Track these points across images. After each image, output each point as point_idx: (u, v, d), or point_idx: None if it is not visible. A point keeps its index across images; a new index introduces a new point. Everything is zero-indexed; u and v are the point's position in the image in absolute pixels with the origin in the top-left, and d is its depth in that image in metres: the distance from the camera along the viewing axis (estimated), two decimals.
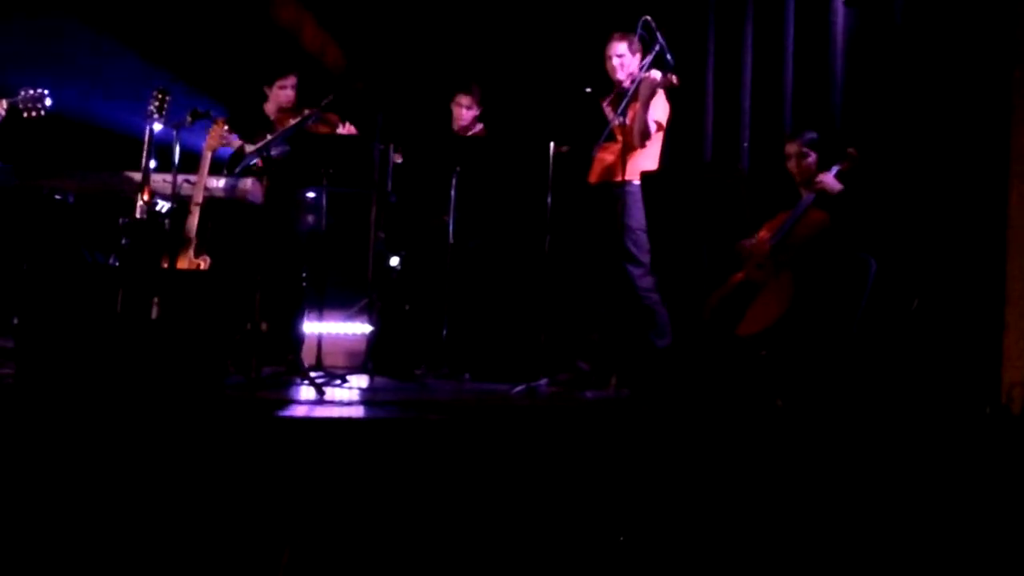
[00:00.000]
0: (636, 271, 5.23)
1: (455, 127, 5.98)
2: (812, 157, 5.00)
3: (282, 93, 5.65)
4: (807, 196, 4.94)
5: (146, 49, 6.23)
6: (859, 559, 3.24)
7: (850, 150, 4.91)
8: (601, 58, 5.41)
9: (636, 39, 5.22)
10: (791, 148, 5.07)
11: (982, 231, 4.72)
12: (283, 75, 5.66)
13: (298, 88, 5.69)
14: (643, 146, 5.24)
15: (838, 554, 3.25)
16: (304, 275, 5.36)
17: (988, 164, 4.68)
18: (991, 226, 4.58)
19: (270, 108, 5.73)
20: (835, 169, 4.88)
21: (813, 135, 5.06)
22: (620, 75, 5.32)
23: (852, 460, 3.59)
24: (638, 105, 5.18)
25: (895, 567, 3.21)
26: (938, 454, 3.62)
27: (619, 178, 5.22)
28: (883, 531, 3.32)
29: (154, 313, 4.15)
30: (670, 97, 5.35)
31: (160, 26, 6.35)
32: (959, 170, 4.94)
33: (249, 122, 5.61)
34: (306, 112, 5.27)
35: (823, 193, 4.86)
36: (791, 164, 5.06)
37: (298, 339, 5.36)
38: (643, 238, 5.23)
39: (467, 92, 5.95)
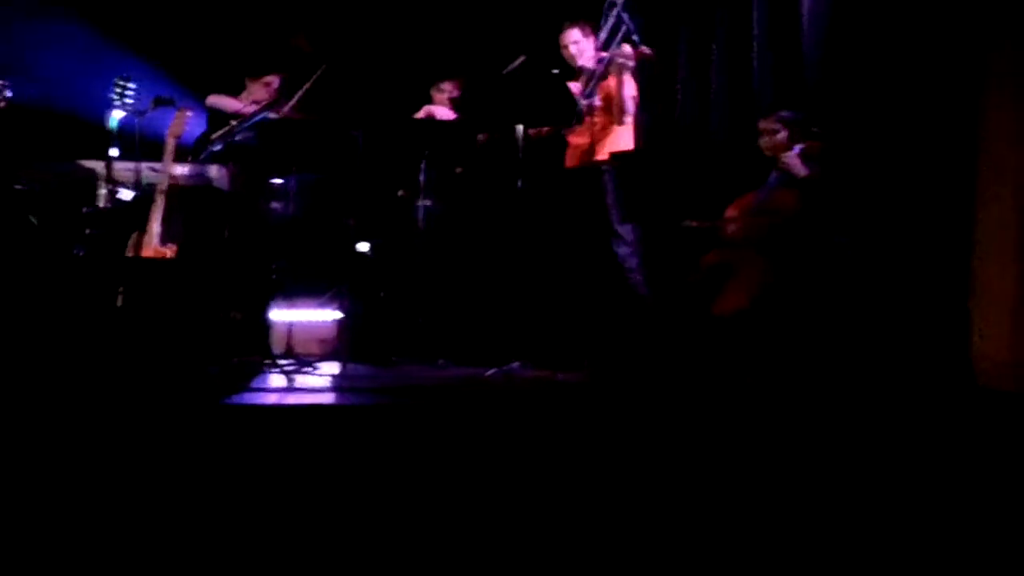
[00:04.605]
0: (623, 250, 5.23)
1: (422, 114, 5.98)
2: (783, 134, 5.01)
3: (264, 90, 5.62)
4: (773, 176, 4.96)
5: (109, 33, 6.17)
6: (826, 534, 3.24)
7: (815, 130, 4.94)
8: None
9: (587, 24, 5.24)
10: (763, 125, 5.08)
11: (953, 209, 4.72)
12: (272, 72, 5.64)
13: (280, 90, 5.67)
14: (622, 123, 5.24)
15: (805, 531, 3.25)
16: (273, 263, 5.32)
17: (959, 143, 4.69)
18: (962, 204, 4.58)
19: (242, 100, 5.68)
20: (797, 148, 4.90)
21: (787, 113, 5.08)
22: (580, 61, 5.33)
23: (821, 436, 3.59)
24: (611, 82, 5.18)
25: (865, 543, 3.22)
26: (909, 430, 3.63)
27: (597, 159, 5.22)
28: (853, 508, 3.32)
29: (119, 302, 4.11)
30: (639, 74, 5.34)
31: (125, 9, 6.30)
32: (929, 144, 4.94)
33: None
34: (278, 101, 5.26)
35: (787, 173, 4.89)
36: (763, 141, 5.07)
37: (266, 327, 5.32)
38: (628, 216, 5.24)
39: (448, 78, 5.99)
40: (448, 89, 5.99)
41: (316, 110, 5.58)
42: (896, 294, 4.74)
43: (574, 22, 5.34)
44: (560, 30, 5.41)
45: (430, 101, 6.11)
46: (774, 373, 4.51)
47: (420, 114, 6.06)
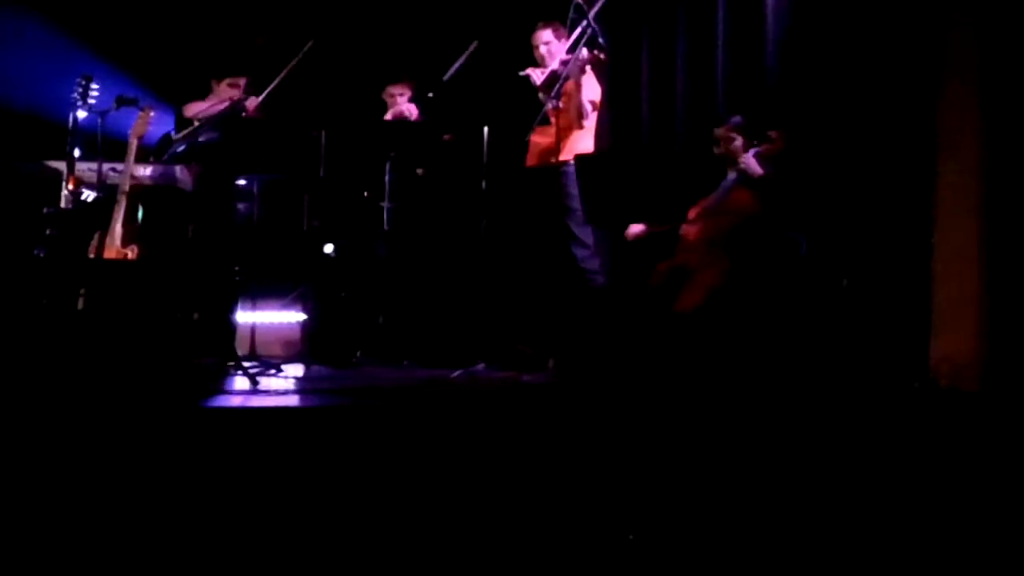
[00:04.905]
0: (581, 253, 5.24)
1: (391, 116, 5.97)
2: (738, 141, 5.07)
3: (229, 91, 5.59)
4: (729, 177, 5.02)
5: (72, 32, 6.11)
6: (787, 535, 3.27)
7: (771, 133, 4.98)
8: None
9: (560, 25, 5.25)
10: (718, 133, 5.14)
11: (911, 208, 4.78)
12: (238, 74, 5.61)
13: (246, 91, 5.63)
14: (581, 126, 5.26)
15: (766, 530, 3.28)
16: (236, 264, 5.28)
17: (918, 141, 4.74)
18: (920, 203, 4.64)
19: (209, 101, 5.64)
20: (753, 151, 4.96)
21: (738, 120, 5.14)
22: (550, 62, 5.33)
23: (781, 434, 3.63)
24: (571, 84, 5.20)
25: (824, 546, 3.25)
26: (868, 427, 3.67)
27: (557, 160, 5.23)
28: (811, 504, 3.36)
29: (80, 304, 4.07)
30: (603, 76, 5.36)
31: (87, 8, 6.24)
32: (889, 147, 5.00)
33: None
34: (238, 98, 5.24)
35: (745, 174, 4.94)
36: (719, 149, 5.13)
37: (231, 329, 5.29)
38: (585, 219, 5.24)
39: (398, 82, 5.97)
40: (398, 92, 5.99)
41: (281, 111, 5.56)
42: (855, 293, 4.80)
43: (547, 23, 5.34)
44: (533, 29, 5.41)
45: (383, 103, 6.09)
46: (734, 372, 4.55)
47: (389, 116, 6.04)
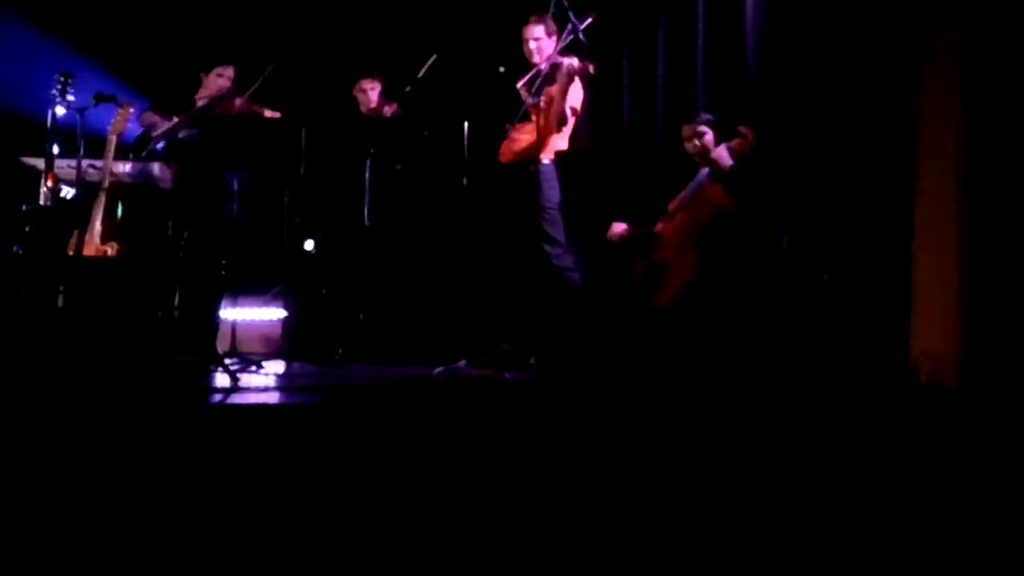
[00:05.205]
0: (553, 250, 5.23)
1: (364, 111, 5.97)
2: (709, 135, 5.07)
3: (218, 81, 5.56)
4: (702, 173, 5.04)
5: (51, 28, 6.07)
6: (764, 527, 3.28)
7: (742, 129, 4.98)
8: (516, 39, 5.39)
9: (551, 21, 5.22)
10: (687, 130, 5.13)
11: (892, 205, 4.81)
12: (223, 64, 5.58)
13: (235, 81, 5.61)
14: (559, 130, 5.25)
15: (744, 525, 3.29)
16: (217, 261, 5.27)
17: (898, 138, 4.77)
18: (900, 200, 4.67)
19: (201, 96, 5.63)
20: (724, 145, 4.97)
21: (708, 116, 5.14)
22: (537, 58, 5.31)
23: (761, 429, 3.64)
24: (555, 89, 5.18)
25: (800, 535, 3.26)
26: (848, 422, 3.69)
27: (531, 159, 5.23)
28: (791, 500, 3.37)
29: (60, 302, 4.05)
30: (587, 83, 5.35)
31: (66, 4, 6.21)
32: (871, 144, 5.02)
33: (174, 106, 5.52)
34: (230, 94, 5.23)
35: (716, 168, 4.95)
36: (688, 146, 5.13)
37: (214, 327, 5.28)
38: (557, 217, 5.23)
39: (368, 76, 5.96)
40: (369, 86, 5.99)
41: (267, 105, 5.55)
42: (836, 289, 4.82)
43: (540, 18, 5.28)
44: (523, 23, 5.39)
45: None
46: (714, 368, 4.56)
47: (363, 110, 6.04)
